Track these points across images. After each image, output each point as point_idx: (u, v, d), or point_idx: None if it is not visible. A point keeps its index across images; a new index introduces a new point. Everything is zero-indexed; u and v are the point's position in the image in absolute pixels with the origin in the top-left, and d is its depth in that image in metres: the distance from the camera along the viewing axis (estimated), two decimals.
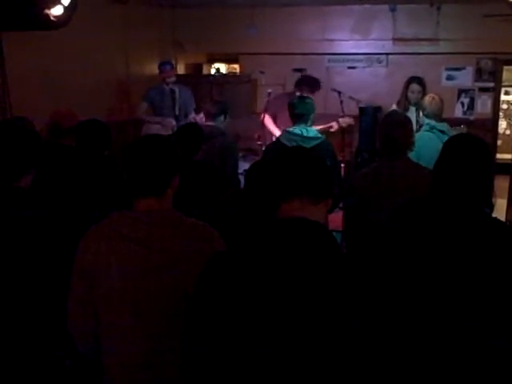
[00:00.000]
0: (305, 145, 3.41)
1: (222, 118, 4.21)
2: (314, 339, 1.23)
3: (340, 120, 5.38)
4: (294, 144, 3.54)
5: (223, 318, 1.32)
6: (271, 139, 5.18)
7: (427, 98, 4.16)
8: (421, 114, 4.20)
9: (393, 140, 2.82)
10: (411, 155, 2.96)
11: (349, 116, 5.55)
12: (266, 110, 5.47)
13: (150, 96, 5.74)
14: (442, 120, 4.10)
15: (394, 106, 5.25)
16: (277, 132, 5.16)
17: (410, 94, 5.02)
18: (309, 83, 5.29)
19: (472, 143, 1.92)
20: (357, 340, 1.23)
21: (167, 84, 5.68)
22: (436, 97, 4.14)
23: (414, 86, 5.02)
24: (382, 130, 2.92)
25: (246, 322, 1.29)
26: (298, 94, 5.10)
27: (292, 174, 1.42)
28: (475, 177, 1.83)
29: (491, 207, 1.92)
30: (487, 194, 1.88)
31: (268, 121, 5.40)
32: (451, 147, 1.95)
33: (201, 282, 1.40)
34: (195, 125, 3.87)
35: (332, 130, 5.34)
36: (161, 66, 5.82)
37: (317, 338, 1.23)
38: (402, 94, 5.18)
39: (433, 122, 4.02)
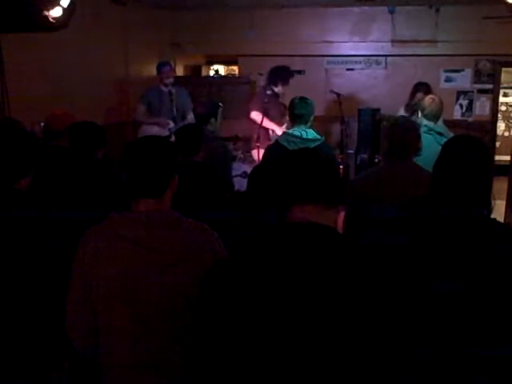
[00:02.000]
0: (304, 147, 3.41)
1: (212, 120, 4.09)
2: (323, 344, 1.22)
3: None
4: (294, 146, 3.54)
5: (232, 324, 1.30)
6: (267, 139, 5.19)
7: (427, 99, 4.17)
8: (419, 114, 4.21)
9: (405, 144, 2.87)
10: None
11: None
12: (252, 109, 5.44)
13: (147, 98, 5.65)
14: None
15: (402, 110, 5.26)
16: (271, 125, 5.19)
17: (415, 100, 5.08)
18: (282, 77, 5.30)
19: (471, 144, 1.92)
20: (367, 347, 1.22)
21: (165, 85, 5.59)
22: (436, 98, 4.15)
23: (420, 96, 5.07)
24: (394, 133, 2.94)
25: (256, 328, 1.27)
26: (273, 89, 5.19)
27: (307, 177, 1.40)
28: (474, 178, 1.83)
29: (489, 209, 1.92)
30: (486, 195, 1.88)
31: (258, 116, 5.29)
32: (450, 148, 1.95)
33: (209, 286, 1.38)
34: (195, 125, 3.86)
35: None
36: (159, 66, 5.72)
37: (326, 342, 1.22)
38: (410, 98, 5.22)
39: (431, 124, 4.02)
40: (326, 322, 1.23)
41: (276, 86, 5.25)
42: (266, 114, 5.23)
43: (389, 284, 1.30)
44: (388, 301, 1.27)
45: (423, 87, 5.25)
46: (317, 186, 1.39)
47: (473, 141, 1.95)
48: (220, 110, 4.22)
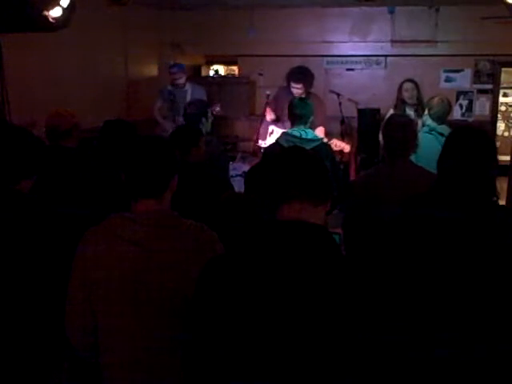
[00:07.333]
0: (303, 147, 3.39)
1: (203, 119, 4.02)
2: (311, 340, 1.23)
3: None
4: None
5: (223, 321, 1.32)
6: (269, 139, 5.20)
7: (436, 100, 4.11)
8: (426, 112, 4.17)
9: (396, 141, 2.84)
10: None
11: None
12: (268, 104, 5.54)
13: (163, 94, 5.91)
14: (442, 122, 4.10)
15: (392, 111, 5.28)
16: (274, 125, 5.23)
17: (404, 94, 5.12)
18: (290, 74, 5.26)
19: (473, 134, 1.94)
20: (356, 343, 1.23)
21: (175, 86, 5.84)
22: (445, 100, 4.11)
23: (407, 85, 5.12)
24: (385, 131, 2.93)
25: (246, 325, 1.29)
26: (296, 89, 5.10)
27: (294, 175, 1.41)
28: (479, 167, 1.85)
29: (497, 196, 1.96)
30: (492, 183, 1.90)
31: (268, 112, 5.44)
32: (453, 139, 1.97)
33: (200, 284, 1.40)
34: (186, 126, 3.84)
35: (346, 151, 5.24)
36: (169, 68, 5.99)
37: (314, 339, 1.23)
38: (396, 97, 5.25)
39: (433, 124, 4.01)
40: (306, 319, 1.24)
41: (288, 84, 5.25)
42: (274, 111, 5.36)
43: (376, 281, 1.31)
44: (373, 298, 1.27)
45: (408, 81, 5.27)
46: (302, 184, 1.40)
47: (474, 130, 1.98)
48: (210, 109, 4.18)
